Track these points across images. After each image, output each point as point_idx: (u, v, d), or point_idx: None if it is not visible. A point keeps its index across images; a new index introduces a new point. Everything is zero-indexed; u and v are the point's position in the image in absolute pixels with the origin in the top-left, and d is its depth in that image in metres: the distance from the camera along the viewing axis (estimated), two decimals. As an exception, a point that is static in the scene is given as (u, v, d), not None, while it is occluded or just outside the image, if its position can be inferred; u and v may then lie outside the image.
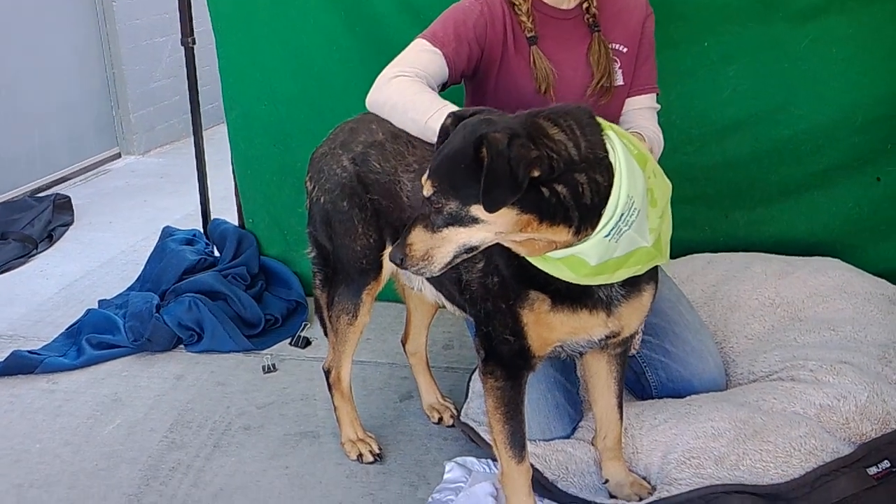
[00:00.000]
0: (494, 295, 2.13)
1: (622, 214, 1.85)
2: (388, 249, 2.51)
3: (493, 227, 1.84)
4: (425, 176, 1.91)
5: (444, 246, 1.89)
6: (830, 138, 3.33)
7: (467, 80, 2.74)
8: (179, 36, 4.05)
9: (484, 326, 2.19)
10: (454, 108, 2.32)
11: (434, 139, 2.30)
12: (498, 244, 1.94)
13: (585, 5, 2.65)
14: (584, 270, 1.92)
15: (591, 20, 2.64)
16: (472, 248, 1.90)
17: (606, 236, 1.86)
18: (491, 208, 1.78)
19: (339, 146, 2.57)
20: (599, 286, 2.02)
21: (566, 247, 1.88)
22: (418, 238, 1.91)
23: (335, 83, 3.52)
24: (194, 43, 4.06)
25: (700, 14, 3.22)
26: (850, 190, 3.40)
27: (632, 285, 2.07)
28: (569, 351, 2.20)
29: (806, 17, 3.19)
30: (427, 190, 1.89)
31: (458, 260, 1.92)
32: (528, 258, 1.97)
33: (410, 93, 2.42)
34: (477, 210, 1.81)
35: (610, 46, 2.64)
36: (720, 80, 3.32)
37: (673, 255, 3.42)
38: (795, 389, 2.52)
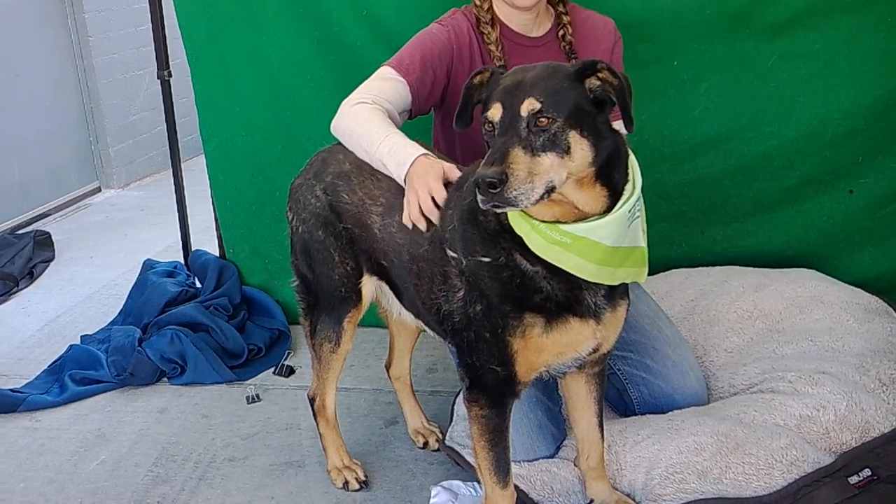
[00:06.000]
0: (479, 324, 2.10)
1: (636, 201, 1.94)
2: (366, 277, 2.53)
3: (571, 164, 1.85)
4: (516, 95, 1.85)
5: (542, 175, 1.81)
6: (802, 153, 3.37)
7: (436, 109, 2.77)
8: (156, 69, 4.08)
9: (468, 357, 2.16)
10: (400, 136, 2.37)
11: (380, 167, 2.35)
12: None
13: (561, 33, 2.68)
14: (596, 255, 1.93)
15: (567, 48, 2.68)
16: (552, 189, 1.83)
17: (629, 213, 1.92)
18: (632, 127, 1.90)
19: (312, 177, 2.59)
20: (587, 292, 2.03)
21: (592, 217, 1.92)
22: (519, 158, 1.80)
23: (310, 112, 3.53)
24: (170, 76, 4.09)
25: (668, 34, 3.25)
26: (824, 203, 3.44)
27: (611, 298, 2.10)
28: (553, 373, 2.21)
29: (773, 34, 3.23)
30: (529, 106, 1.84)
31: (543, 200, 1.83)
32: (537, 248, 1.94)
33: (363, 121, 2.45)
34: (573, 136, 1.84)
35: None
36: (690, 99, 3.36)
37: (651, 272, 3.42)
38: (775, 401, 2.54)
